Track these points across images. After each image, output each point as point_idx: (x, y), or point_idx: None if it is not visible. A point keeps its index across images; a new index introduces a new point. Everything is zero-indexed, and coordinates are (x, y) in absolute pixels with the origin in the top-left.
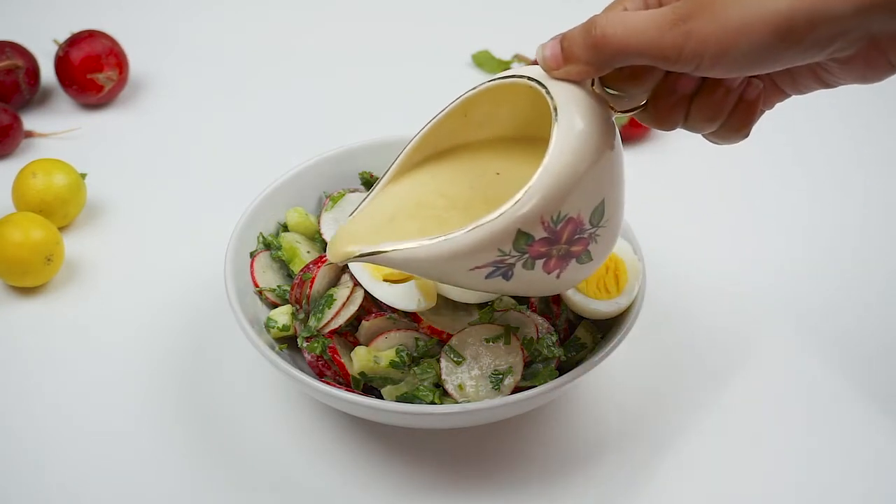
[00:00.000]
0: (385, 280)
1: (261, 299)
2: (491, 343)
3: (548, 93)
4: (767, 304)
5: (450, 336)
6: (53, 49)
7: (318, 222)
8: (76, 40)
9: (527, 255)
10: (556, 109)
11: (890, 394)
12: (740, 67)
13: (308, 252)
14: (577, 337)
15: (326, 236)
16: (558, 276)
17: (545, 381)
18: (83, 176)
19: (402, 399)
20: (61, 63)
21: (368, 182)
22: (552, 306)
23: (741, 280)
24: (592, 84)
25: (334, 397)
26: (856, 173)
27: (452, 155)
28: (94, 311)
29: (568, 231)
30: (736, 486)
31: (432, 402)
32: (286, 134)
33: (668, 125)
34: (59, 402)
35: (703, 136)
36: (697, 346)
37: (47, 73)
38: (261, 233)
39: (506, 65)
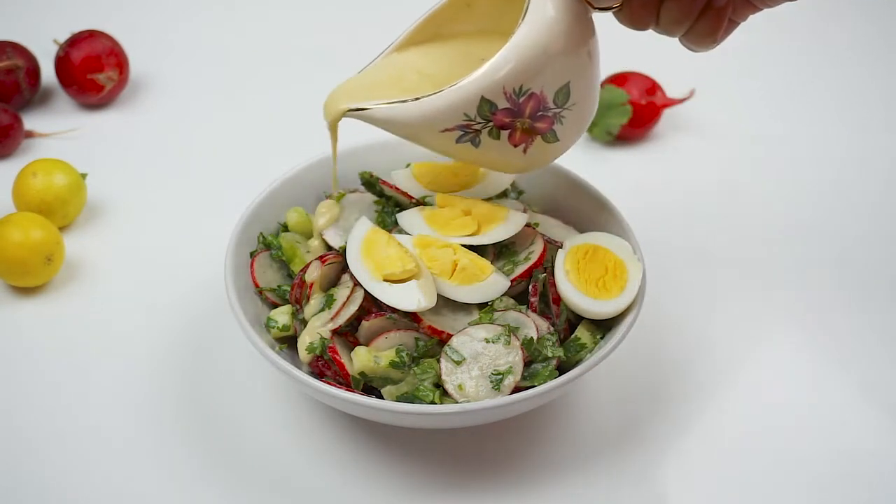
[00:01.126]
0: (385, 280)
1: (261, 299)
2: (491, 343)
3: None
4: (767, 303)
5: (450, 336)
6: (54, 49)
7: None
8: (76, 40)
9: (491, 124)
10: None
11: (890, 394)
12: None
13: (308, 252)
14: (577, 337)
15: (327, 236)
16: (525, 151)
17: (545, 381)
18: (83, 176)
19: (402, 399)
20: (61, 63)
21: (369, 182)
22: (552, 306)
23: (741, 280)
24: None
25: (334, 397)
26: (856, 173)
27: (449, 39)
28: (94, 311)
29: (531, 106)
30: (736, 485)
31: (432, 402)
32: (286, 134)
33: (643, 25)
34: (60, 401)
35: (679, 41)
36: (697, 346)
37: (48, 73)
38: (261, 233)
39: None
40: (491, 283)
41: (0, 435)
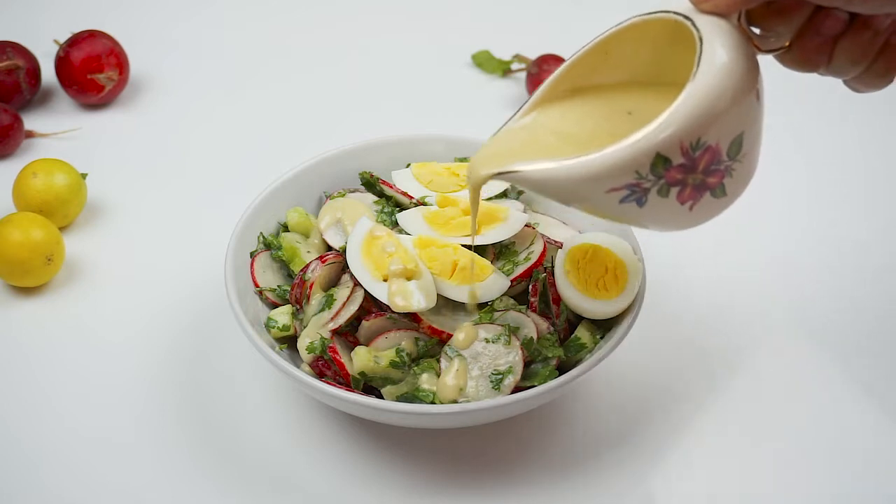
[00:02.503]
0: (385, 280)
1: (261, 299)
2: (491, 343)
3: (693, 24)
4: (768, 304)
5: (450, 336)
6: (54, 49)
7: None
8: (76, 40)
9: (663, 181)
10: (701, 40)
11: (891, 394)
12: (891, 2)
13: (308, 252)
14: (577, 337)
15: (327, 236)
16: (691, 209)
17: (545, 381)
18: (83, 176)
19: (402, 399)
20: (62, 63)
21: (369, 182)
22: (552, 306)
23: (741, 280)
24: (739, 21)
25: (334, 397)
26: (857, 172)
27: (584, 94)
28: (95, 311)
29: (705, 160)
30: (736, 486)
31: (432, 402)
32: (286, 134)
33: (811, 67)
34: (60, 401)
35: (845, 82)
36: (697, 346)
37: (48, 73)
38: (261, 233)
39: (506, 65)
40: (491, 283)
41: None
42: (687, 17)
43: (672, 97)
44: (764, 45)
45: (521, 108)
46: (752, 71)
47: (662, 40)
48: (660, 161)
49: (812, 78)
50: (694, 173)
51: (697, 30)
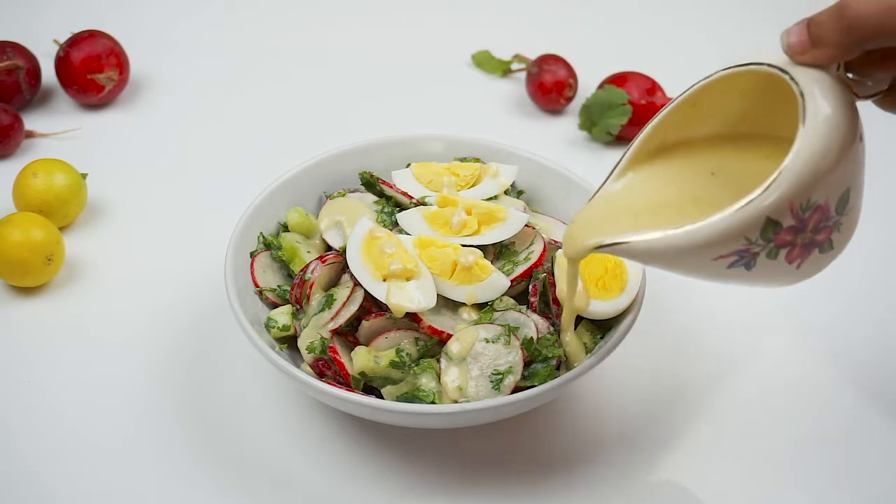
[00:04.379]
0: (385, 280)
1: (261, 299)
2: (491, 343)
3: (792, 79)
4: (768, 304)
5: (450, 336)
6: (54, 49)
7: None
8: (76, 40)
9: (772, 244)
10: (802, 94)
11: (891, 394)
12: None
13: (308, 252)
14: (577, 337)
15: (327, 237)
16: (798, 267)
17: (545, 381)
18: (84, 176)
19: (402, 399)
20: (62, 63)
21: (368, 182)
22: (552, 306)
23: None
24: (837, 69)
25: (334, 397)
26: None
27: (672, 152)
28: (95, 311)
29: (815, 219)
30: (736, 486)
31: (432, 402)
32: (286, 134)
33: None
34: (60, 401)
35: None
36: (697, 346)
37: (48, 73)
38: (261, 233)
39: (506, 65)
40: (491, 283)
41: None
42: (784, 71)
43: (765, 150)
44: (862, 91)
45: (614, 169)
46: (855, 121)
47: (753, 92)
48: (770, 225)
49: None
50: (804, 233)
51: (797, 84)
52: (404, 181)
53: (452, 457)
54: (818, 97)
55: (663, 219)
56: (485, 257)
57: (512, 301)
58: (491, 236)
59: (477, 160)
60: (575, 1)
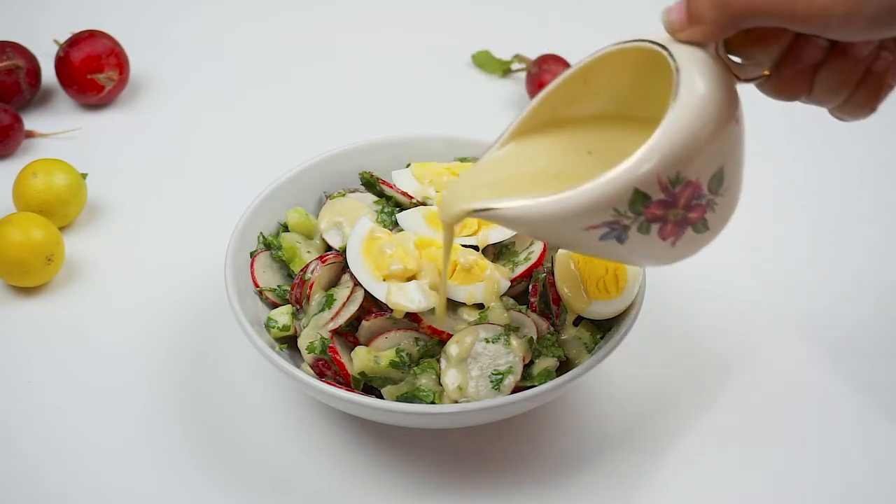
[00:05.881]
0: (385, 280)
1: (261, 299)
2: (491, 343)
3: (670, 55)
4: (768, 304)
5: (450, 336)
6: (54, 49)
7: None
8: (76, 40)
9: (642, 218)
10: (678, 70)
11: (891, 395)
12: (869, 29)
13: (308, 252)
14: (577, 337)
15: (327, 237)
16: (673, 244)
17: (545, 381)
18: (84, 176)
19: (402, 399)
20: (62, 63)
21: (369, 182)
22: (552, 306)
23: (741, 280)
24: (717, 50)
25: (334, 397)
26: (857, 172)
27: (560, 127)
28: (94, 312)
29: (686, 195)
30: (736, 486)
31: (432, 402)
32: (286, 134)
33: (791, 95)
34: (59, 401)
35: (829, 111)
36: (697, 347)
37: (48, 73)
38: (261, 233)
39: (506, 65)
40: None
41: None
42: (663, 47)
43: (645, 132)
44: (743, 73)
45: (498, 139)
46: (732, 101)
47: (641, 70)
48: (639, 197)
49: None
50: (674, 208)
51: (674, 60)
52: (404, 181)
53: (452, 457)
54: (693, 73)
55: (540, 188)
56: (485, 257)
57: (512, 301)
58: (491, 236)
59: (477, 160)
60: (575, 1)
